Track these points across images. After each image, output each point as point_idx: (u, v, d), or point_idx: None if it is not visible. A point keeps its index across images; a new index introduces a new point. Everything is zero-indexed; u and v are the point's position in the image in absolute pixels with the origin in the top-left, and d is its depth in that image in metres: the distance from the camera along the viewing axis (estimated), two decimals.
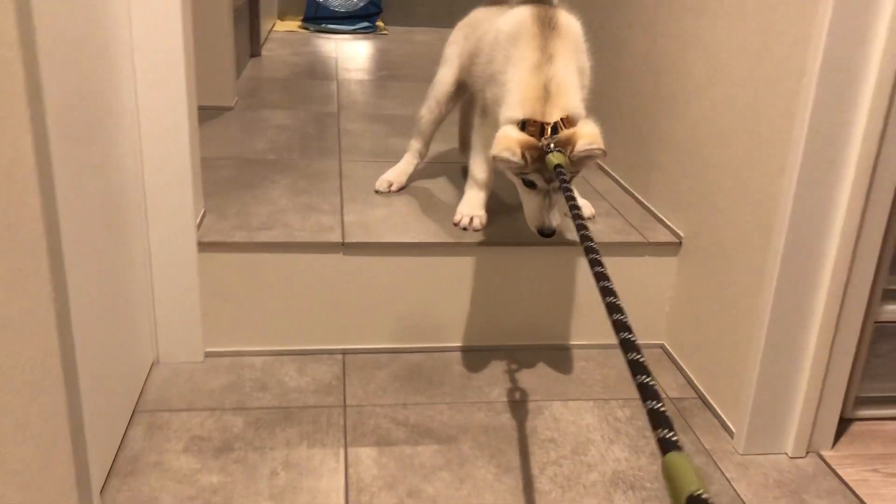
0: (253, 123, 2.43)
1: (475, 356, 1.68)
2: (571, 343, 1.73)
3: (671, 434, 0.65)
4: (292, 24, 4.69)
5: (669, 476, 0.62)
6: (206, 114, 2.50)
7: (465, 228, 1.70)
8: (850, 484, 1.34)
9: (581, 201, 1.80)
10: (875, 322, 1.44)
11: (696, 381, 1.60)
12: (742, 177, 1.43)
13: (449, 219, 1.72)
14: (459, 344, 1.69)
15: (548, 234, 1.41)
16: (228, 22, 2.58)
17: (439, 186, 1.94)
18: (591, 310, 1.71)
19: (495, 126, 1.44)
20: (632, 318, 1.65)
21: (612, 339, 1.70)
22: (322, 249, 1.59)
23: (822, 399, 1.43)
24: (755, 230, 1.39)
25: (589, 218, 1.76)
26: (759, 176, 1.37)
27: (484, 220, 1.69)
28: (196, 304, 1.57)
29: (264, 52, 3.76)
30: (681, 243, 1.67)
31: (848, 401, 1.49)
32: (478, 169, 1.69)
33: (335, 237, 1.60)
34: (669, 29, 1.72)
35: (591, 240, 1.04)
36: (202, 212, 1.65)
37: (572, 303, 1.70)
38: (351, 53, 3.85)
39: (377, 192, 1.85)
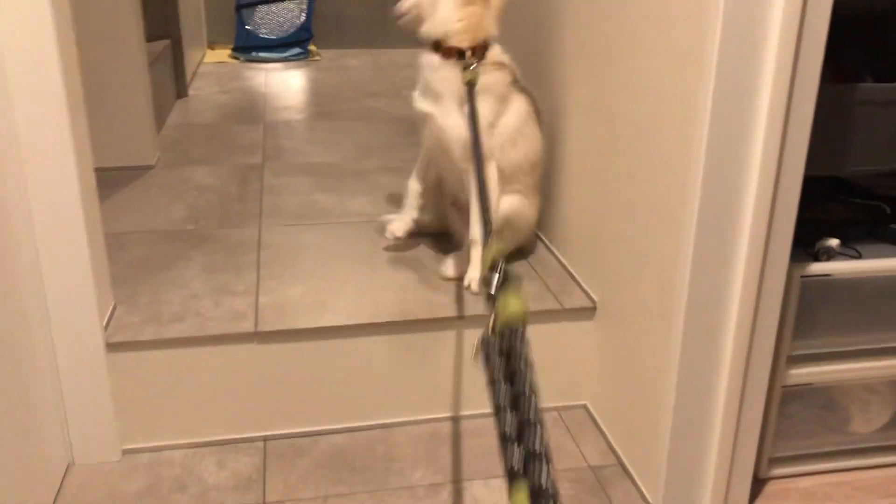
0: (173, 185, 2.40)
1: (399, 433, 1.67)
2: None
3: None
4: (222, 54, 4.63)
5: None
6: (124, 176, 2.46)
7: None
8: None
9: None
10: (782, 386, 1.47)
11: (616, 447, 1.62)
12: (644, 247, 1.44)
13: (370, 294, 1.71)
14: (382, 421, 1.68)
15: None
16: (143, 74, 2.53)
17: (362, 255, 1.93)
18: None
19: None
20: (554, 380, 1.68)
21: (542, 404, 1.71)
22: (234, 340, 1.57)
23: (734, 462, 1.45)
24: (658, 293, 1.40)
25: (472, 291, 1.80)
26: (658, 247, 1.39)
27: (400, 232, 1.86)
28: (108, 403, 1.54)
29: (192, 90, 3.71)
30: (595, 307, 1.69)
31: (761, 461, 1.52)
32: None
33: (248, 325, 1.58)
34: (575, 95, 1.73)
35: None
36: (111, 306, 1.62)
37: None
38: (280, 87, 3.82)
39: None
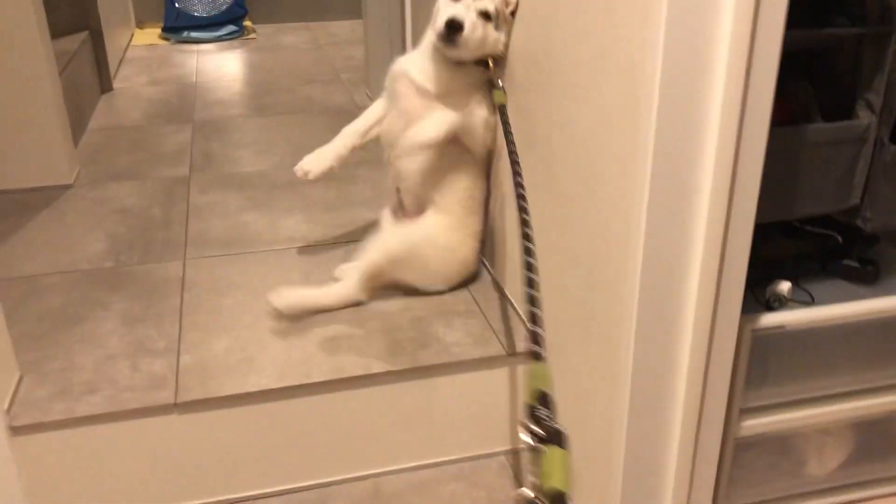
0: (92, 208, 2.24)
1: (337, 492, 1.58)
2: (439, 460, 1.65)
3: None
4: (152, 34, 4.39)
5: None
6: (41, 198, 2.30)
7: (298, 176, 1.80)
8: None
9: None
10: (735, 439, 1.41)
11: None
12: (588, 298, 1.35)
13: (300, 346, 1.60)
14: (318, 481, 1.59)
15: (456, 26, 1.53)
16: (52, 80, 2.33)
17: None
18: (456, 423, 1.63)
19: None
20: (499, 422, 1.59)
21: (484, 449, 1.63)
22: (154, 413, 1.45)
23: None
24: (604, 349, 1.31)
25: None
26: (603, 301, 1.29)
27: (312, 175, 1.81)
28: (16, 488, 1.42)
29: (118, 81, 3.51)
30: None
31: None
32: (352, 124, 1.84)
33: (167, 395, 1.46)
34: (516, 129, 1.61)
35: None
36: (16, 379, 1.49)
37: (436, 420, 1.62)
38: (213, 75, 3.62)
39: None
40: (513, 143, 1.42)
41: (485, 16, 1.55)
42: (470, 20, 1.52)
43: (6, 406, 1.41)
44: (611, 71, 1.15)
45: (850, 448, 1.50)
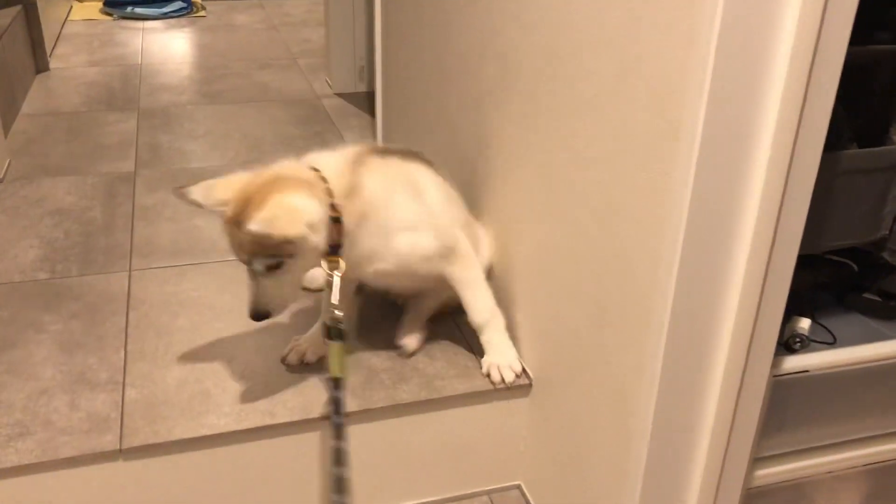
0: (25, 207, 2.01)
1: None
2: (417, 503, 1.50)
3: None
4: (93, 8, 4.11)
5: None
6: None
7: (287, 364, 1.46)
8: None
9: (504, 346, 1.47)
10: (747, 489, 1.29)
11: None
12: (595, 332, 1.20)
13: (262, 377, 1.43)
14: None
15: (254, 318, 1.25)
16: None
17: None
18: (437, 462, 1.48)
19: None
20: (482, 461, 1.44)
21: (466, 489, 1.49)
22: (94, 460, 1.27)
23: None
24: (614, 397, 1.17)
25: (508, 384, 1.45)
26: (614, 336, 1.15)
27: (312, 357, 1.46)
28: None
29: (54, 61, 3.24)
30: (531, 385, 1.45)
31: None
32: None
33: (111, 440, 1.28)
34: (496, 135, 1.45)
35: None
36: None
37: (415, 461, 1.46)
38: (159, 56, 3.38)
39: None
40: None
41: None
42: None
43: None
44: (638, 88, 1.00)
45: (864, 495, 1.40)
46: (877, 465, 1.36)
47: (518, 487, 1.56)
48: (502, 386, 1.43)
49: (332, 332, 1.22)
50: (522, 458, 1.53)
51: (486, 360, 1.46)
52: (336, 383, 1.17)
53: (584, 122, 1.15)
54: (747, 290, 1.00)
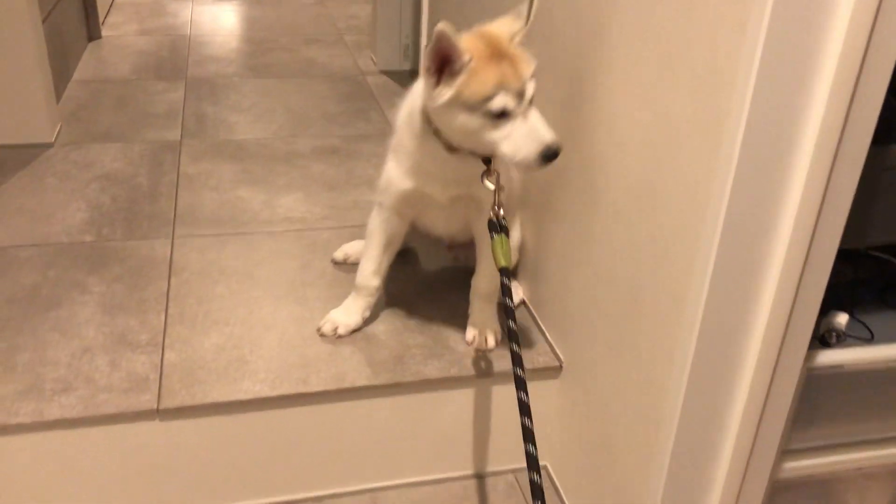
0: (74, 172, 2.06)
1: None
2: (440, 477, 1.52)
3: None
4: None
5: None
6: (19, 157, 2.12)
7: (318, 331, 1.49)
8: None
9: (494, 318, 1.53)
10: (775, 480, 1.28)
11: None
12: (627, 319, 1.21)
13: (298, 347, 1.46)
14: (314, 494, 1.46)
15: (553, 152, 1.17)
16: (34, 28, 2.13)
17: (291, 283, 1.66)
18: (464, 439, 1.49)
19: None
20: (509, 440, 1.46)
21: (492, 467, 1.50)
22: (133, 419, 1.31)
23: None
24: (643, 383, 1.18)
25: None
26: (647, 324, 1.15)
27: (346, 331, 1.49)
28: None
29: (106, 30, 3.29)
30: (561, 367, 1.46)
31: None
32: (362, 271, 1.49)
33: (149, 399, 1.32)
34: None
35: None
36: None
37: (441, 436, 1.48)
38: (208, 28, 3.41)
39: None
40: (514, 317, 1.18)
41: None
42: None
43: None
44: (682, 75, 0.99)
45: (893, 494, 1.38)
46: None
47: (545, 468, 1.57)
48: (484, 351, 1.47)
49: (494, 225, 1.24)
50: (550, 440, 1.54)
51: (475, 329, 1.49)
52: (504, 272, 1.20)
53: (628, 108, 1.14)
54: (784, 283, 0.99)
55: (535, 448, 1.05)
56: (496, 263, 1.22)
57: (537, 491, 0.98)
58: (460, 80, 1.16)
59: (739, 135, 0.89)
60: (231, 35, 3.36)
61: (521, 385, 1.12)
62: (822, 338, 1.24)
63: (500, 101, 1.16)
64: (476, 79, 1.16)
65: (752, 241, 0.97)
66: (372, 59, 3.08)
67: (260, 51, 3.14)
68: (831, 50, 0.85)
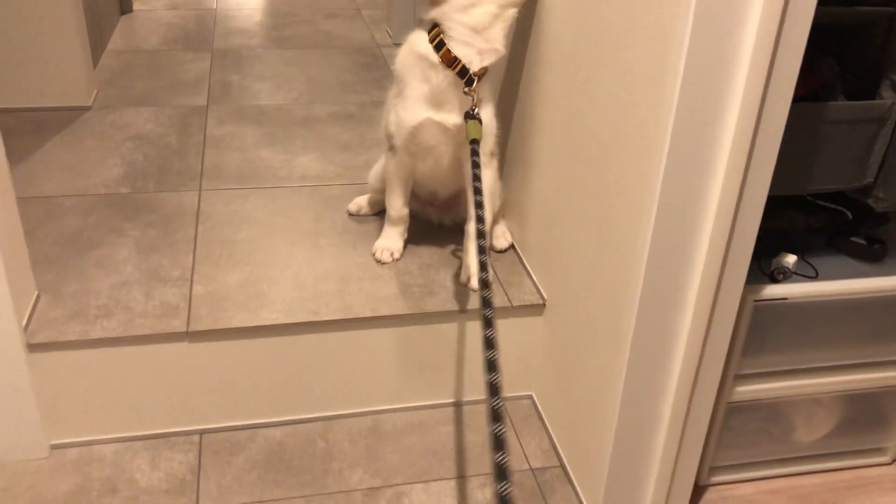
0: (110, 132, 2.25)
1: (338, 426, 1.64)
2: (438, 402, 1.70)
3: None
4: None
5: None
6: (59, 118, 2.31)
7: (379, 261, 1.71)
8: None
9: (500, 229, 1.81)
10: (728, 403, 1.45)
11: (559, 447, 1.60)
12: (598, 255, 1.37)
13: (311, 285, 1.64)
14: (322, 414, 1.65)
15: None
16: (75, 4, 2.32)
17: (306, 231, 1.84)
18: (459, 367, 1.67)
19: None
20: (503, 372, 1.63)
21: (481, 395, 1.68)
22: (165, 340, 1.50)
23: (675, 472, 1.44)
24: (609, 307, 1.34)
25: (503, 249, 1.79)
26: (612, 258, 1.32)
27: (398, 253, 1.73)
28: (32, 401, 1.48)
29: (137, 3, 3.49)
30: (544, 304, 1.63)
31: (702, 470, 1.52)
32: (392, 206, 1.70)
33: (179, 324, 1.50)
34: (541, 89, 1.61)
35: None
36: (34, 296, 1.53)
37: (437, 364, 1.66)
38: (233, 2, 3.59)
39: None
40: (480, 191, 1.33)
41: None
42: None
43: (24, 323, 1.45)
44: (639, 35, 1.15)
45: (838, 418, 1.54)
46: (851, 392, 1.50)
47: (530, 398, 1.74)
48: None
49: (469, 115, 1.49)
50: (535, 372, 1.71)
51: (471, 270, 1.65)
52: (473, 142, 1.43)
53: (599, 68, 1.30)
54: (721, 216, 1.16)
55: (498, 376, 1.10)
56: (468, 137, 1.46)
57: (497, 415, 0.96)
58: None
59: (677, 88, 1.05)
60: (255, 9, 3.53)
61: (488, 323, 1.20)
62: (772, 275, 1.39)
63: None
64: None
65: (692, 177, 1.14)
66: (388, 32, 3.24)
67: (282, 24, 3.31)
68: (753, 19, 1.01)
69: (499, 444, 0.86)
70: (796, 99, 1.13)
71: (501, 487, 0.82)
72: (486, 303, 1.08)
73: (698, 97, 1.08)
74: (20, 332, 1.42)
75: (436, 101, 1.54)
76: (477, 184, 1.32)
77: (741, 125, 1.10)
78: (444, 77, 1.51)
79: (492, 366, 1.01)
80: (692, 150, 1.13)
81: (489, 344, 1.04)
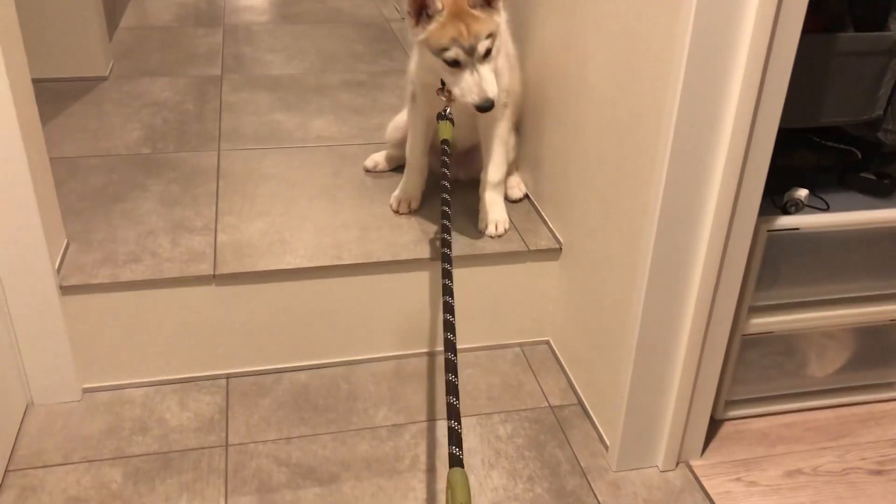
0: (128, 100, 2.29)
1: (362, 370, 1.68)
2: (459, 347, 1.73)
3: (458, 451, 0.89)
4: None
5: (450, 487, 0.84)
6: (77, 88, 2.35)
7: (397, 212, 1.75)
8: (714, 497, 1.41)
9: (514, 180, 1.85)
10: (742, 335, 1.48)
11: (576, 386, 1.64)
12: (612, 194, 1.41)
13: (331, 232, 1.68)
14: (345, 358, 1.68)
15: (487, 106, 1.47)
16: None
17: (324, 185, 1.88)
18: (476, 314, 1.71)
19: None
20: (518, 317, 1.67)
21: (500, 340, 1.72)
22: (193, 283, 1.54)
23: (692, 406, 1.47)
24: (625, 242, 1.38)
25: (518, 199, 1.83)
26: (626, 196, 1.35)
27: (416, 203, 1.76)
28: (65, 344, 1.52)
29: None
30: (560, 249, 1.67)
31: (718, 404, 1.55)
32: (412, 153, 1.73)
33: (206, 268, 1.54)
34: (549, 32, 1.65)
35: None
36: (64, 243, 1.57)
37: (457, 309, 1.70)
38: None
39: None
40: (446, 185, 1.39)
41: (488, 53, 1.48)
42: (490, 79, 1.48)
43: (56, 266, 1.49)
44: None
45: (850, 352, 1.58)
46: (862, 325, 1.54)
47: (547, 343, 1.78)
48: (497, 237, 1.69)
49: (442, 117, 1.55)
50: (552, 317, 1.75)
51: (488, 217, 1.70)
52: (444, 142, 1.49)
53: (613, 4, 1.34)
54: (734, 145, 1.19)
55: (455, 336, 1.12)
56: (438, 137, 1.52)
57: (450, 366, 1.04)
58: (430, 27, 1.45)
59: (691, 20, 1.10)
60: None
61: (446, 274, 1.25)
62: (784, 207, 1.43)
63: (452, 53, 1.45)
64: (438, 31, 1.45)
65: (705, 111, 1.17)
66: (396, 8, 3.27)
67: (291, 1, 3.35)
68: None
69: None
70: (806, 33, 1.16)
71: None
72: (446, 257, 1.24)
73: (711, 28, 1.11)
74: (54, 276, 1.46)
75: None
76: (445, 195, 1.36)
77: (752, 56, 1.13)
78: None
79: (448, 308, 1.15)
80: (705, 81, 1.16)
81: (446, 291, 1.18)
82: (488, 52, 1.47)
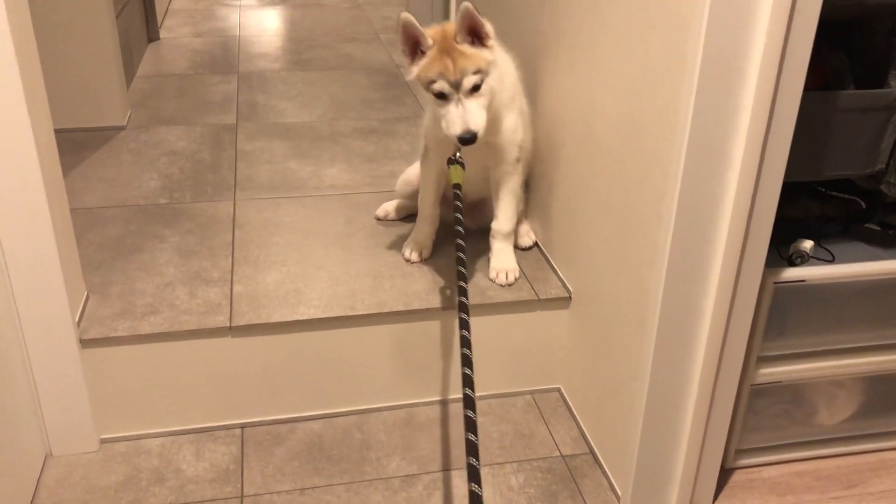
0: (145, 149, 2.35)
1: (375, 419, 1.70)
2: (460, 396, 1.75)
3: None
4: None
5: None
6: (96, 138, 2.41)
7: (408, 260, 1.78)
8: None
9: (523, 228, 1.88)
10: (751, 384, 1.50)
11: (588, 435, 1.65)
12: (621, 245, 1.44)
13: (345, 282, 1.71)
14: (358, 407, 1.71)
15: (468, 138, 1.49)
16: (110, 24, 2.43)
17: (337, 234, 1.91)
18: (487, 362, 1.73)
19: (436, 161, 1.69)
20: (529, 364, 1.69)
21: (511, 388, 1.74)
22: (209, 335, 1.57)
23: (702, 456, 1.49)
24: (633, 292, 1.40)
25: (527, 247, 1.86)
26: (635, 247, 1.38)
27: (427, 252, 1.79)
28: (83, 395, 1.54)
29: (163, 32, 3.60)
30: (570, 297, 1.69)
31: (728, 453, 1.56)
32: (423, 204, 1.77)
33: (222, 319, 1.57)
34: (550, 87, 1.69)
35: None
36: (84, 296, 1.60)
37: (456, 358, 1.72)
38: (255, 29, 3.71)
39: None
40: (461, 228, 1.44)
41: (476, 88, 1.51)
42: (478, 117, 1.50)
43: (77, 319, 1.52)
44: (656, 27, 1.23)
45: (860, 401, 1.59)
46: (871, 374, 1.55)
47: (558, 390, 1.80)
48: (507, 286, 1.72)
49: (453, 161, 1.57)
50: (562, 364, 1.77)
51: (495, 266, 1.73)
52: (456, 186, 1.52)
53: (617, 61, 1.38)
54: (740, 200, 1.22)
55: (473, 391, 1.14)
56: (450, 181, 1.55)
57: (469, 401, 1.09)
58: (422, 63, 1.51)
59: (695, 77, 1.13)
60: (276, 35, 3.65)
61: (463, 325, 1.25)
62: (790, 259, 1.45)
63: (438, 86, 1.50)
64: (428, 65, 1.50)
65: (711, 165, 1.20)
66: None
67: (303, 48, 3.42)
68: (763, 11, 1.09)
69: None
70: (808, 90, 1.20)
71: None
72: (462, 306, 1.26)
73: (715, 87, 1.15)
74: (74, 329, 1.50)
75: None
76: (459, 240, 1.39)
77: (755, 115, 1.17)
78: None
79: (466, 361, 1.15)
80: (710, 138, 1.20)
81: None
82: (476, 88, 1.51)
